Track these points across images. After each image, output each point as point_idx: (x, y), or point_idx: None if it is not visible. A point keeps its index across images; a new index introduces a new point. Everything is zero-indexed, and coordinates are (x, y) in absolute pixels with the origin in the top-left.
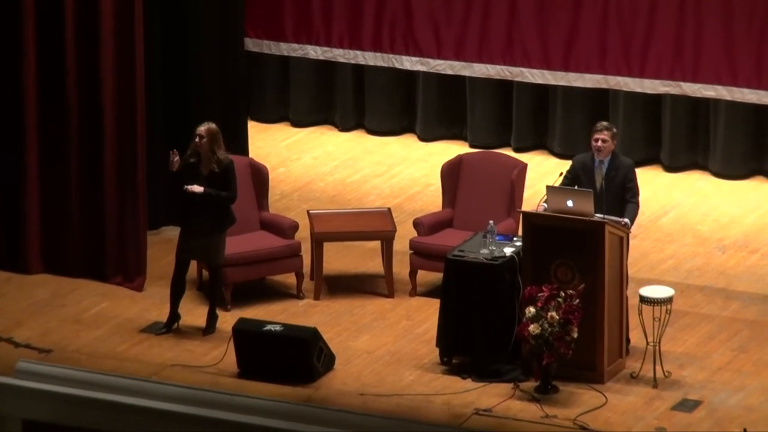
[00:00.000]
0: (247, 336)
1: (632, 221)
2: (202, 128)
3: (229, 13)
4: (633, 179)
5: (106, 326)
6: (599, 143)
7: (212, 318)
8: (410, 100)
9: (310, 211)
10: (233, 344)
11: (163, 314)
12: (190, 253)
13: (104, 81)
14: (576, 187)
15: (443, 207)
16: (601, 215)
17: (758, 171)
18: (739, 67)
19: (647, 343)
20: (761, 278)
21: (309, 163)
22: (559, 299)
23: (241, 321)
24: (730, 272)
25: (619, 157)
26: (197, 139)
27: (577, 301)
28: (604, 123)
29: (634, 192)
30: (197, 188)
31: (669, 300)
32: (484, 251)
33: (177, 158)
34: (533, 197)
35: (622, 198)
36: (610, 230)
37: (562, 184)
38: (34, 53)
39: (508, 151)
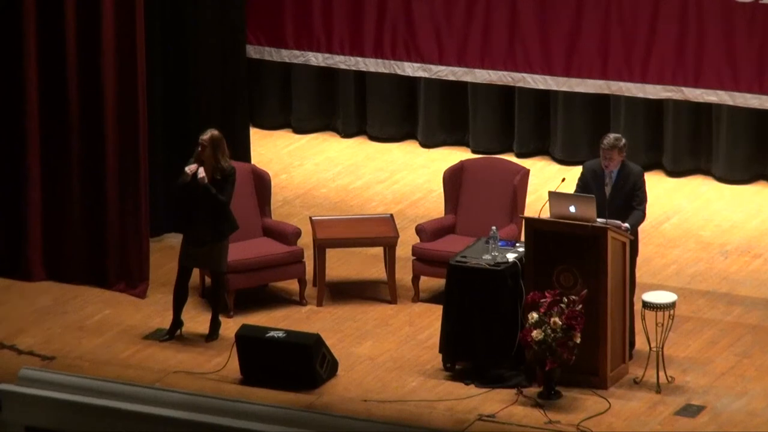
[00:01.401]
0: (249, 342)
1: (634, 227)
2: (205, 137)
3: (230, 20)
4: (641, 187)
5: (109, 333)
6: (607, 161)
7: (215, 324)
8: (412, 106)
9: (313, 218)
10: (236, 351)
11: (166, 321)
12: (192, 260)
13: (106, 89)
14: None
15: (446, 213)
16: (603, 220)
17: (761, 176)
18: (741, 72)
19: (650, 348)
20: (764, 283)
21: (311, 169)
22: (562, 305)
23: (244, 327)
24: (733, 277)
25: (628, 164)
26: (200, 148)
27: (580, 306)
28: (611, 140)
29: (641, 199)
30: (202, 173)
31: (672, 305)
32: (487, 257)
33: (189, 170)
34: (536, 203)
35: (631, 205)
36: (613, 236)
37: (576, 190)
38: (35, 62)
39: (510, 157)
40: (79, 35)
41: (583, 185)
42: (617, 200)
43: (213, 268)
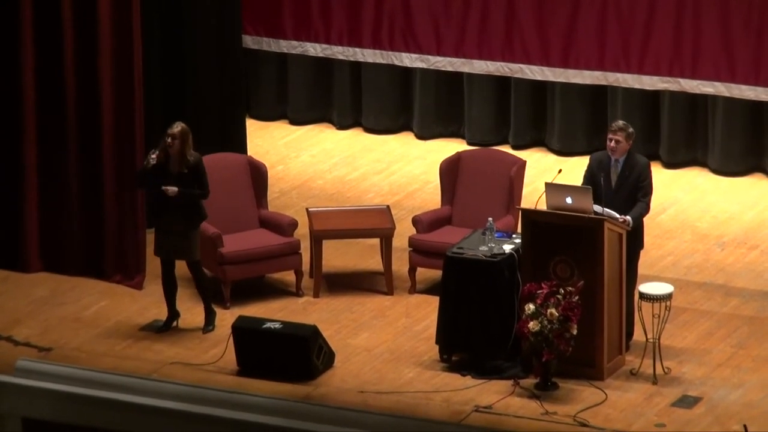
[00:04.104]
0: (246, 333)
1: (636, 219)
2: (175, 129)
3: (227, 11)
4: (647, 178)
5: (106, 324)
6: (612, 143)
7: (210, 314)
8: (407, 98)
9: (309, 209)
10: (233, 342)
11: (162, 312)
12: (165, 251)
13: (102, 80)
14: (580, 184)
15: (442, 204)
16: (600, 209)
17: (757, 168)
18: (738, 64)
19: (647, 339)
20: (760, 275)
21: (307, 160)
22: (559, 296)
23: (241, 319)
24: (729, 269)
25: (634, 156)
26: (168, 140)
27: (577, 297)
28: (620, 123)
29: (646, 191)
30: (173, 189)
31: (668, 297)
32: (484, 248)
33: (154, 156)
34: (532, 194)
35: (636, 197)
36: (610, 227)
37: (583, 181)
38: (32, 51)
39: (506, 149)
40: (76, 26)
41: (589, 175)
42: (623, 191)
43: (187, 258)
